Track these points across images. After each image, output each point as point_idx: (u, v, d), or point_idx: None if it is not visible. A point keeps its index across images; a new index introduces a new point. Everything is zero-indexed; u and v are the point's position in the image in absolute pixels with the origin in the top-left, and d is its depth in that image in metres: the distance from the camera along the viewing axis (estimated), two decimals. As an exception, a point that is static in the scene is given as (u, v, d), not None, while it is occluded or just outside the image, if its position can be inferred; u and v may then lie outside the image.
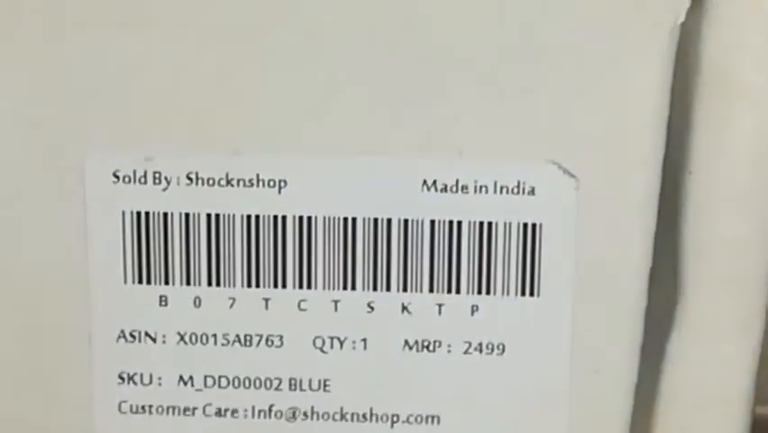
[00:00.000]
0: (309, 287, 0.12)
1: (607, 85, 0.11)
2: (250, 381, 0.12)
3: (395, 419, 0.13)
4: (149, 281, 0.12)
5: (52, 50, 0.11)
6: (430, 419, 0.13)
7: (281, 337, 0.12)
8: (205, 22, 0.11)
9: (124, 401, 0.13)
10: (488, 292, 0.12)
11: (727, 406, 0.13)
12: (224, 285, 0.12)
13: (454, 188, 0.12)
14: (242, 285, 0.12)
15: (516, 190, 0.12)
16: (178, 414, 0.13)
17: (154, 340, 0.12)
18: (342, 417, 0.13)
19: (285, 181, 0.12)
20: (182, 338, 0.12)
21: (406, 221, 0.12)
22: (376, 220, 0.12)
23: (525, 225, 0.12)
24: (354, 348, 0.12)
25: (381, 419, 0.13)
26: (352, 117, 0.12)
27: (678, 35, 0.11)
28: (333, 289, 0.12)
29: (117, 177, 0.12)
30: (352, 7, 0.11)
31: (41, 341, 0.12)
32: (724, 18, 0.11)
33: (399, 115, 0.12)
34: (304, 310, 0.12)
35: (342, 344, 0.12)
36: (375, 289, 0.12)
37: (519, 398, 0.13)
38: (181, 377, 0.12)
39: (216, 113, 0.12)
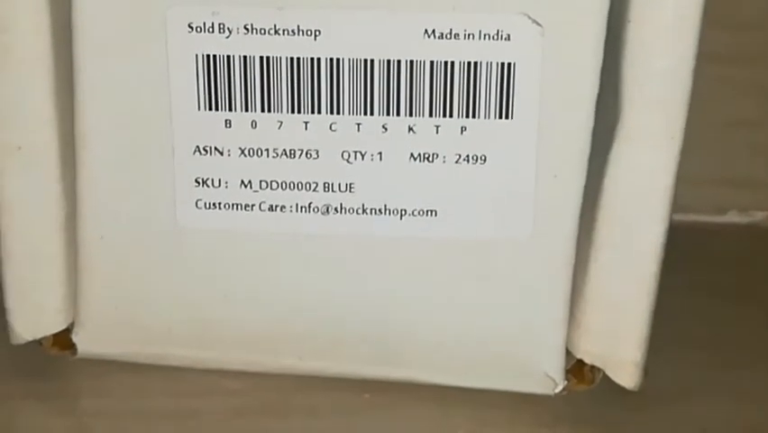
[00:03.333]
0: (338, 112, 0.15)
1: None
2: (294, 184, 0.16)
3: (403, 212, 0.16)
4: (216, 108, 0.16)
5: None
6: (429, 213, 0.16)
7: (317, 151, 0.16)
8: None
9: (200, 200, 0.16)
10: (474, 116, 0.15)
11: (655, 197, 0.16)
12: (274, 111, 0.15)
13: (448, 36, 0.15)
14: (288, 111, 0.15)
15: (495, 37, 0.15)
16: (240, 209, 0.16)
17: (221, 153, 0.16)
18: (364, 211, 0.16)
19: (319, 31, 0.15)
20: (242, 152, 0.16)
21: (411, 61, 0.15)
22: (389, 61, 0.15)
23: (503, 64, 0.15)
24: (372, 159, 0.16)
25: (392, 212, 0.16)
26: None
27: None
28: (357, 114, 0.15)
29: (191, 27, 0.15)
30: None
31: (137, 153, 0.16)
32: None
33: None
34: (334, 131, 0.16)
35: (363, 156, 0.16)
36: (388, 114, 0.15)
37: (496, 197, 0.16)
38: (242, 182, 0.16)
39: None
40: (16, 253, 0.17)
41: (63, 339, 0.18)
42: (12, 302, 0.17)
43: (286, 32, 0.15)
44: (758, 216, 0.26)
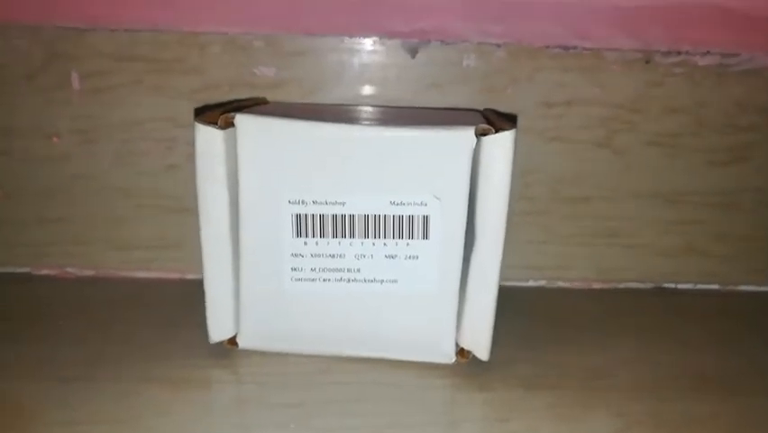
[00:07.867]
0: (353, 237, 0.34)
1: (447, 170, 0.33)
2: (334, 269, 0.35)
3: (383, 281, 0.35)
4: (299, 236, 0.34)
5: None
6: (392, 282, 0.35)
7: (343, 255, 0.34)
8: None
9: (293, 277, 0.35)
10: (412, 238, 0.34)
11: (492, 272, 0.35)
12: (325, 237, 0.34)
13: (402, 204, 0.34)
14: (332, 237, 0.34)
15: (421, 204, 0.34)
16: (311, 281, 0.35)
17: (302, 256, 0.35)
18: (365, 281, 0.35)
19: (344, 202, 0.34)
20: (312, 255, 0.34)
21: (385, 215, 0.34)
22: (376, 215, 0.33)
23: (425, 216, 0.34)
24: (369, 257, 0.35)
25: (378, 281, 0.35)
26: (365, 187, 0.34)
27: (471, 155, 0.33)
28: (362, 237, 0.34)
29: (289, 201, 0.34)
30: None
31: (268, 256, 0.35)
32: (482, 148, 0.34)
33: (375, 178, 0.34)
34: (351, 245, 0.34)
35: (364, 256, 0.34)
36: (376, 237, 0.34)
37: (423, 273, 0.35)
38: (311, 268, 0.35)
39: (322, 186, 0.34)
40: (213, 296, 0.36)
41: (233, 340, 0.36)
42: (210, 322, 0.36)
43: (330, 203, 0.34)
44: (557, 283, 0.45)
